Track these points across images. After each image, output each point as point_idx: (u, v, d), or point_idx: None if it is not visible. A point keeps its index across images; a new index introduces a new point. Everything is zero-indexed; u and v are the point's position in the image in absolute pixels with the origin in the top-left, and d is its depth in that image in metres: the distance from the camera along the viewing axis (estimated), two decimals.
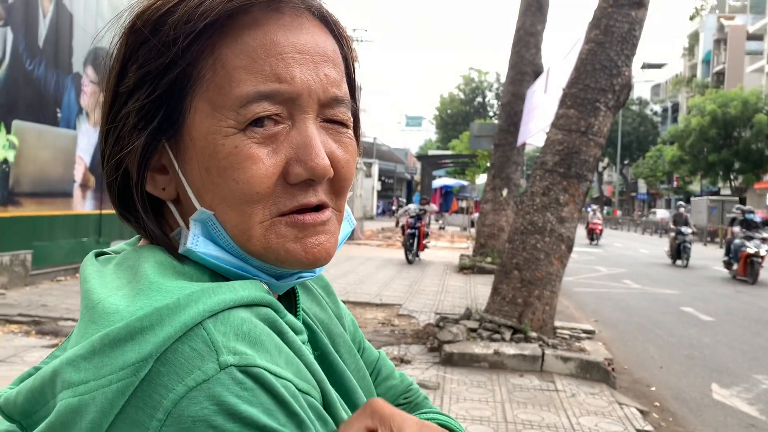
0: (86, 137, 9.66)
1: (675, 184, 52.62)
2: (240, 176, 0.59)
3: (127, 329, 0.51)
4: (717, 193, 50.09)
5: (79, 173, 9.55)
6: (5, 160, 8.01)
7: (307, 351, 0.59)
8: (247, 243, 0.61)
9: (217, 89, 0.59)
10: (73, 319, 6.43)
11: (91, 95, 9.72)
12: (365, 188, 25.37)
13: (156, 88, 0.60)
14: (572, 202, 6.27)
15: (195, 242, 0.61)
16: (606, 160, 61.88)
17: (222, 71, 0.59)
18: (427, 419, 0.76)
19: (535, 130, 10.27)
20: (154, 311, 0.52)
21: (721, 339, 8.17)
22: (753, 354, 7.44)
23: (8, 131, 8.03)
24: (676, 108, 61.49)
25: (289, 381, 0.52)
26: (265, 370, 0.51)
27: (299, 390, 0.53)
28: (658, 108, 65.80)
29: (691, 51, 60.63)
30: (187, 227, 0.62)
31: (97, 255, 0.67)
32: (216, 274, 0.62)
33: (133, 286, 0.56)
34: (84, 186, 9.69)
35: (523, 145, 13.22)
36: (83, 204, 9.69)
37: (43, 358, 0.65)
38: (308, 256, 0.61)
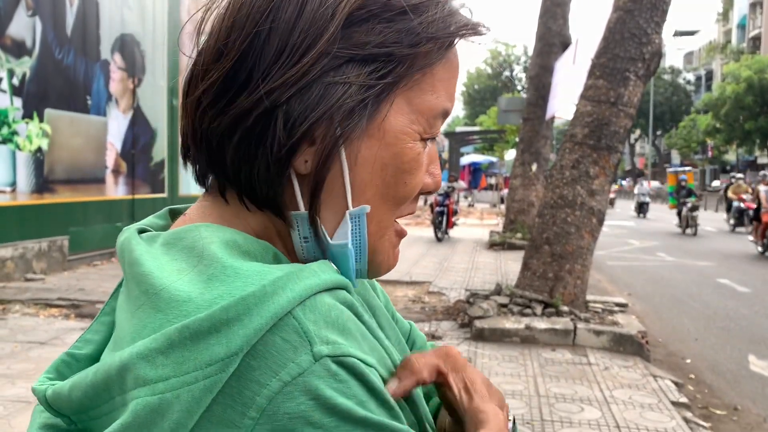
0: (116, 123, 9.81)
1: (710, 154, 51.47)
2: (410, 181, 0.59)
3: (210, 321, 0.47)
4: (754, 162, 48.86)
5: (110, 159, 9.72)
6: (39, 149, 8.18)
7: (382, 333, 0.57)
8: (377, 242, 0.60)
9: (419, 92, 0.58)
10: None
11: (119, 81, 9.85)
12: None
13: (388, 75, 0.56)
14: (603, 174, 6.18)
15: (345, 236, 0.58)
16: (638, 131, 60.69)
17: (429, 78, 0.58)
18: None
19: (564, 102, 10.10)
20: (240, 300, 0.47)
21: (759, 310, 8.03)
22: None
23: (41, 120, 8.19)
24: (710, 76, 59.90)
25: (376, 369, 0.51)
26: (357, 359, 0.49)
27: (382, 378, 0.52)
28: (691, 76, 64.17)
29: (725, 16, 58.84)
30: (307, 209, 0.57)
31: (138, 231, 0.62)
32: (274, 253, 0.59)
33: (201, 270, 0.51)
34: (116, 172, 9.86)
35: (552, 118, 13.02)
36: (116, 189, 9.87)
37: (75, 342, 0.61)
38: (394, 263, 0.64)
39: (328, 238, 0.58)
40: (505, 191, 21.31)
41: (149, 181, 10.71)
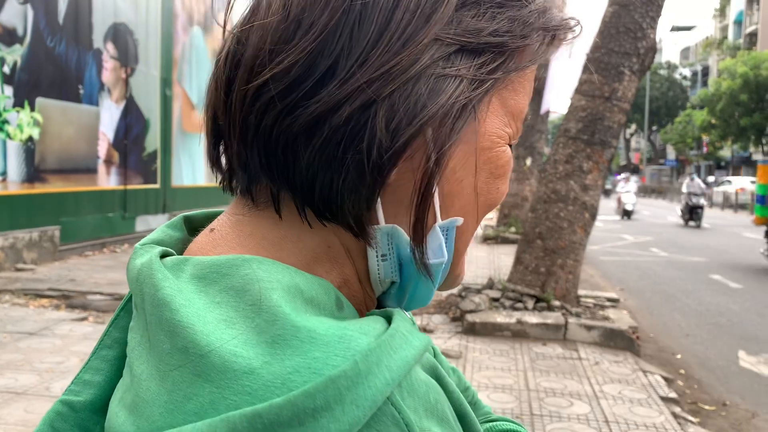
0: (109, 113, 9.75)
1: (705, 149, 51.57)
2: (501, 187, 0.52)
3: (291, 410, 0.36)
4: (749, 158, 49.02)
5: (102, 149, 9.66)
6: (30, 138, 8.12)
7: (460, 393, 0.49)
8: (461, 255, 0.53)
9: (513, 92, 0.50)
10: (102, 293, 6.56)
11: (112, 71, 9.77)
12: None
13: (497, 69, 0.47)
14: (596, 169, 6.17)
15: (439, 251, 0.50)
16: (633, 126, 60.76)
17: (521, 77, 0.51)
18: (500, 430, 0.72)
19: (559, 96, 10.09)
20: (330, 383, 0.36)
21: (750, 306, 8.06)
22: None
23: (32, 108, 8.13)
24: (706, 71, 59.96)
25: None
26: None
27: None
28: (687, 72, 64.21)
29: (722, 12, 58.86)
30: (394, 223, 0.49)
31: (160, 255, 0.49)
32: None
33: (260, 327, 0.40)
34: (108, 162, 9.80)
35: (547, 112, 13.01)
36: (108, 180, 9.82)
37: (67, 385, 0.50)
38: (464, 273, 0.56)
39: (428, 258, 0.48)
40: None
41: (141, 171, 10.66)
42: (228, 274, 0.43)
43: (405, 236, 0.48)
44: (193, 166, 12.40)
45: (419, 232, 0.47)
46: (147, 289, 0.44)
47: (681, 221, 20.49)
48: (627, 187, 24.18)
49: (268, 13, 0.45)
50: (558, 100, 10.42)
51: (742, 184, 33.10)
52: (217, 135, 0.49)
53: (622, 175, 29.89)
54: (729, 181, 36.33)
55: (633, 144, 71.58)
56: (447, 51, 0.45)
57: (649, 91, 52.02)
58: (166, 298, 0.42)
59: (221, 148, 0.50)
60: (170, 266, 0.46)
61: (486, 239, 12.75)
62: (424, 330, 5.65)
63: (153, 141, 10.90)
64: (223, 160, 0.51)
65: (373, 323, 0.42)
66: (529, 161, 13.30)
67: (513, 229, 12.81)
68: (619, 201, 23.21)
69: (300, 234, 0.48)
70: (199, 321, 0.40)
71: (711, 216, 24.93)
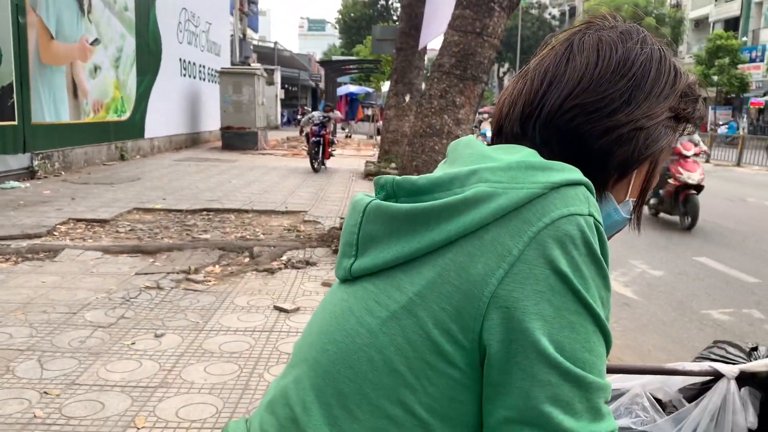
0: None
1: None
2: (651, 188, 0.94)
3: (542, 164, 0.75)
4: None
5: None
6: None
7: None
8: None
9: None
10: None
11: None
12: (268, 97, 24.63)
13: (678, 129, 0.89)
14: (468, 104, 6.43)
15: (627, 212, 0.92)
16: (506, 65, 62.81)
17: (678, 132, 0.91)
18: None
19: (435, 33, 10.25)
20: (560, 165, 0.76)
21: None
22: (630, 243, 8.12)
23: None
24: (573, 12, 62.66)
25: None
26: (603, 230, 0.75)
27: None
28: (556, 12, 66.80)
29: None
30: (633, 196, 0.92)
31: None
32: None
33: (516, 155, 0.81)
34: None
35: (425, 49, 13.18)
36: None
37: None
38: None
39: (622, 210, 0.90)
40: (381, 122, 21.51)
41: None
42: (511, 149, 0.83)
43: (613, 201, 0.88)
44: (55, 102, 11.49)
45: (640, 202, 0.93)
46: (462, 141, 0.88)
47: None
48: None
49: (578, 66, 0.84)
50: (434, 36, 10.59)
51: None
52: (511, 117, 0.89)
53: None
54: None
55: (506, 82, 74.08)
56: (670, 114, 0.86)
57: (520, 30, 53.74)
58: (474, 143, 0.86)
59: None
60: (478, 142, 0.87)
61: (367, 175, 12.96)
62: (307, 262, 5.78)
63: (7, 74, 9.96)
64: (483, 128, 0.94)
65: None
66: (408, 98, 13.52)
67: (393, 165, 13.09)
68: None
69: None
70: (493, 151, 0.83)
71: None
